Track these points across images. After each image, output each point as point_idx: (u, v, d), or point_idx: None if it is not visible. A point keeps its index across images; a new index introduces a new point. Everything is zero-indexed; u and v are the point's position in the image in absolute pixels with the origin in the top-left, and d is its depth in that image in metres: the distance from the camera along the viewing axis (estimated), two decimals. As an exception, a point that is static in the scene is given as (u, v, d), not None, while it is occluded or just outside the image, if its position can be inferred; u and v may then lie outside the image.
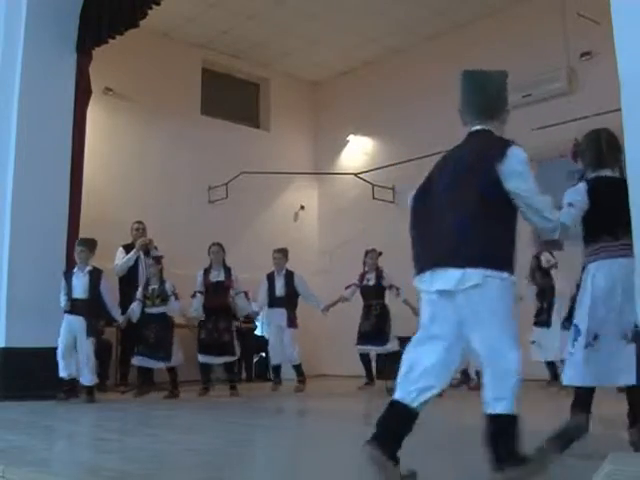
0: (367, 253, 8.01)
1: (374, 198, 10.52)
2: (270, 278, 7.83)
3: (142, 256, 7.66)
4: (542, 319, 7.16)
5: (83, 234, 7.04)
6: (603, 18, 5.17)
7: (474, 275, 2.42)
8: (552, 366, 7.21)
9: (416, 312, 7.68)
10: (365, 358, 7.91)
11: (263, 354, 9.91)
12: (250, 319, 8.90)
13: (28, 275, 6.40)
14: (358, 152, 11.24)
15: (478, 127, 2.73)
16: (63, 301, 6.31)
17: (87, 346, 6.22)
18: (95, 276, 6.38)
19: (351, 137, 11.30)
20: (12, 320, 6.28)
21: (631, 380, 2.98)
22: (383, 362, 7.83)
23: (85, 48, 7.12)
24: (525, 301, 7.19)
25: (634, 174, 2.99)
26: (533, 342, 7.12)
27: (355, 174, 10.57)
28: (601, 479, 2.18)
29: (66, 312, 6.28)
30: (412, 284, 2.68)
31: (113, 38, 7.00)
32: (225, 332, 7.15)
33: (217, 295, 7.23)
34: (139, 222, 7.94)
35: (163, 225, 8.64)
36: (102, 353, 7.48)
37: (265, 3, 9.20)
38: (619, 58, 3.08)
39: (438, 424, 4.35)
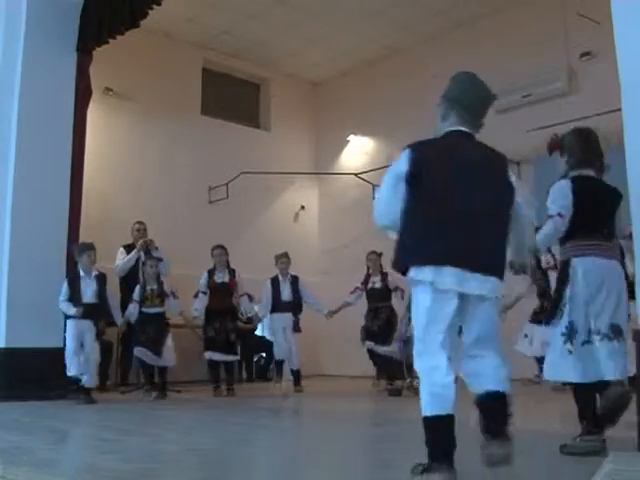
0: (368, 255, 7.94)
1: (374, 198, 10.51)
2: (275, 283, 7.73)
3: (142, 256, 7.66)
4: (541, 317, 7.24)
5: (84, 234, 7.04)
6: (603, 18, 5.17)
7: (500, 286, 2.51)
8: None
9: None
10: (374, 355, 7.80)
11: (263, 354, 9.92)
12: (250, 320, 8.89)
13: (28, 275, 6.40)
14: (358, 152, 11.24)
15: (466, 130, 2.69)
16: (68, 307, 6.23)
17: (95, 349, 6.28)
18: (102, 280, 6.45)
19: (351, 137, 11.30)
20: (12, 320, 6.28)
21: (616, 375, 3.04)
22: (383, 364, 7.75)
23: (85, 48, 7.12)
24: (525, 299, 7.35)
25: (634, 174, 3.00)
26: (525, 336, 7.37)
27: (355, 174, 10.57)
28: (601, 479, 2.18)
29: (74, 317, 6.24)
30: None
31: (113, 38, 7.00)
32: (232, 332, 7.27)
33: (222, 296, 7.30)
34: (140, 222, 7.93)
35: (164, 225, 8.64)
36: (102, 353, 7.48)
37: (265, 3, 9.20)
38: (619, 58, 3.08)
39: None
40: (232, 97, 11.14)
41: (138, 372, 7.82)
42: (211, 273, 7.42)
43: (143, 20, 6.74)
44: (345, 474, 3.04)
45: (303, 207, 11.47)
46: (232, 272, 7.45)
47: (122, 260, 7.68)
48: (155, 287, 7.01)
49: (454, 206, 2.49)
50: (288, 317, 7.63)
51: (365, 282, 7.89)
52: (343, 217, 11.10)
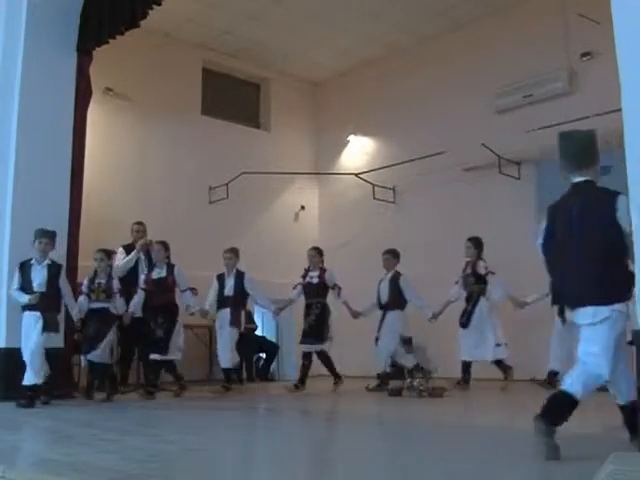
0: (308, 251, 7.86)
1: (374, 198, 10.52)
2: (220, 278, 7.58)
3: (142, 257, 7.65)
4: (463, 321, 7.47)
5: (83, 235, 7.04)
6: (603, 18, 5.16)
7: (600, 309, 3.06)
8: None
9: (355, 314, 7.75)
10: (308, 357, 7.66)
11: (263, 354, 9.92)
12: (251, 320, 8.87)
13: (28, 275, 6.38)
14: (358, 152, 11.23)
15: (580, 179, 3.25)
16: (20, 295, 6.00)
17: (38, 341, 5.88)
18: (54, 270, 6.16)
19: (351, 137, 11.30)
20: (12, 320, 6.26)
21: None
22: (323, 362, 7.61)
23: (85, 48, 7.12)
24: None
25: (634, 174, 3.00)
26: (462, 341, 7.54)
27: (356, 174, 10.57)
28: (602, 479, 2.18)
29: (25, 308, 5.96)
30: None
31: (114, 38, 6.99)
32: (159, 328, 6.91)
33: (159, 293, 7.05)
34: (139, 223, 7.92)
35: (163, 225, 8.63)
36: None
37: (265, 3, 9.20)
38: (619, 58, 3.08)
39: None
40: (232, 97, 11.14)
41: (138, 372, 7.83)
42: (150, 269, 7.26)
43: (143, 20, 6.73)
44: (345, 473, 3.03)
45: (303, 207, 11.47)
46: (170, 268, 7.17)
47: (122, 261, 7.66)
48: (103, 282, 6.60)
49: (564, 254, 3.20)
50: (227, 312, 7.41)
51: (304, 277, 7.79)
52: (343, 217, 11.11)
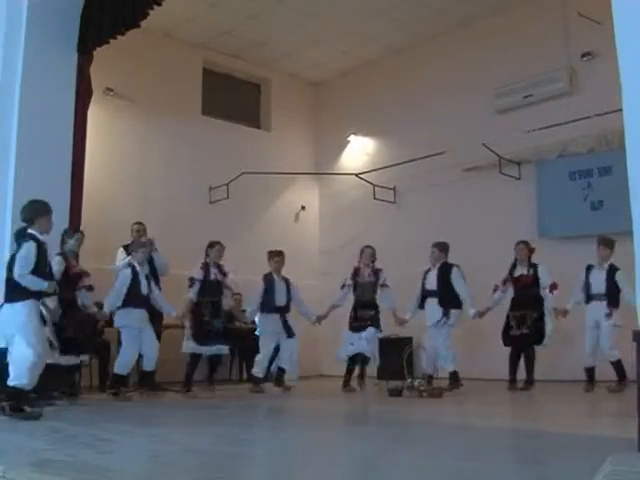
0: (214, 244, 7.43)
1: (375, 198, 10.52)
2: (134, 272, 6.83)
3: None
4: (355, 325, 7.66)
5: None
6: (604, 18, 5.17)
7: None
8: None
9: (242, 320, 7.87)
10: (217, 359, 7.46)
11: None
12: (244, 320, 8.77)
13: (28, 275, 6.35)
14: (359, 152, 11.24)
15: None
16: (38, 281, 4.93)
17: (41, 341, 5.03)
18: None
19: (352, 137, 11.30)
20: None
21: None
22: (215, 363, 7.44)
23: (86, 48, 7.13)
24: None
25: (634, 174, 3.00)
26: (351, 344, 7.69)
27: (356, 174, 10.57)
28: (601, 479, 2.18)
29: (32, 296, 4.94)
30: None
31: (114, 38, 7.00)
32: (70, 327, 6.11)
33: (69, 285, 6.20)
34: (139, 223, 7.91)
35: (164, 225, 8.64)
36: (102, 353, 7.48)
37: (265, 3, 9.20)
38: (620, 58, 3.08)
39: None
40: (232, 97, 11.14)
41: (139, 372, 7.81)
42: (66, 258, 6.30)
43: (143, 20, 6.74)
44: (346, 474, 3.03)
45: (303, 207, 11.47)
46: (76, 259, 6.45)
47: (123, 261, 7.66)
48: None
49: None
50: (142, 312, 6.77)
51: (205, 272, 7.28)
52: (343, 217, 11.11)
